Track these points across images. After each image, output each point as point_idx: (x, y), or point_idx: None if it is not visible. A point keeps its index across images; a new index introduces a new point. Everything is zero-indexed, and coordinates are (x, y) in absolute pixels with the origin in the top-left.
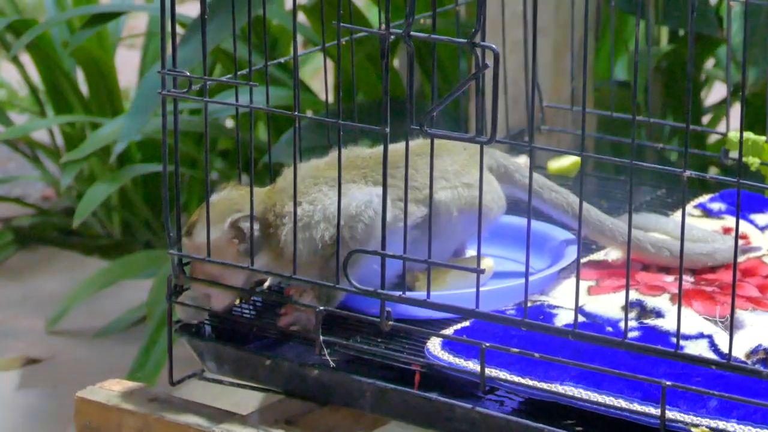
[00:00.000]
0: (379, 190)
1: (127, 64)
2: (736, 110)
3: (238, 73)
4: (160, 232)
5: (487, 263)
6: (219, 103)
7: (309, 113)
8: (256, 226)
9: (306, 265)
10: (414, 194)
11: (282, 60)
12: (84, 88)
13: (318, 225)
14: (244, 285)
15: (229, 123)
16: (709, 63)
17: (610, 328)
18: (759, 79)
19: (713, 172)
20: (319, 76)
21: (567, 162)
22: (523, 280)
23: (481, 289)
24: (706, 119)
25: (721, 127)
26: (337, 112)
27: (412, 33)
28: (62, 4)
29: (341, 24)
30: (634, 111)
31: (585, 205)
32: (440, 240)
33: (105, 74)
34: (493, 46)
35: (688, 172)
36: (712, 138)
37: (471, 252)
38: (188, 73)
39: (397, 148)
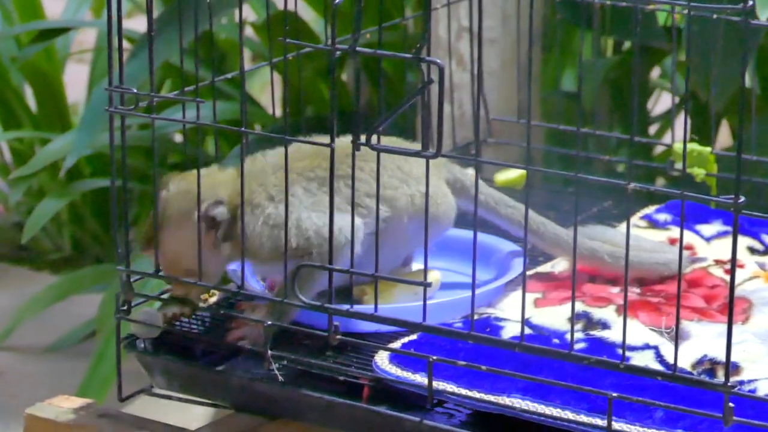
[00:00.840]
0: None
1: (75, 79)
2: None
3: (186, 88)
4: (110, 247)
5: (434, 276)
6: (166, 119)
7: (257, 127)
8: (227, 211)
9: (269, 261)
10: (370, 200)
11: (229, 75)
12: (32, 103)
13: (289, 231)
14: (218, 274)
15: (178, 137)
16: (656, 72)
17: (556, 340)
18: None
19: (660, 182)
20: (267, 89)
21: (514, 174)
22: (469, 293)
23: (428, 302)
24: (653, 129)
25: (668, 138)
26: (284, 127)
27: (358, 48)
28: (9, 19)
29: (288, 40)
30: (579, 123)
31: (540, 218)
32: (392, 246)
33: (54, 89)
34: (438, 60)
35: (632, 185)
36: (659, 148)
37: (418, 265)
38: (135, 90)
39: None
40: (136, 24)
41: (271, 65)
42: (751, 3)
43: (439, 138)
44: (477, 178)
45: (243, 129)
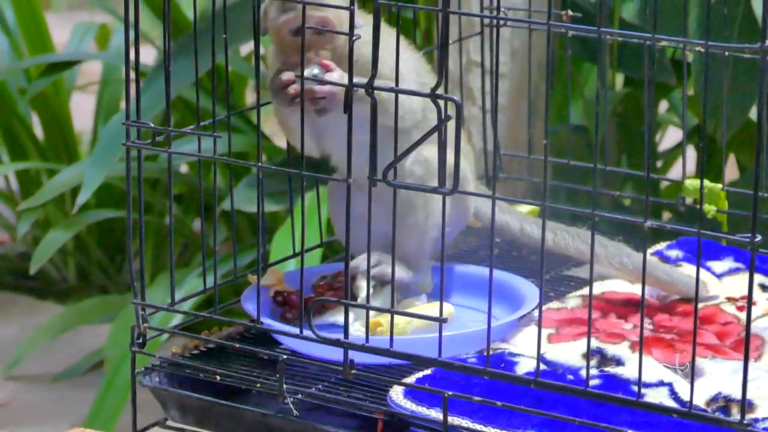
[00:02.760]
0: None
1: (81, 109)
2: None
3: (201, 123)
4: (116, 277)
5: (447, 310)
6: (183, 154)
7: (264, 158)
8: None
9: None
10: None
11: (244, 110)
12: (39, 132)
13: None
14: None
15: (184, 168)
16: (663, 106)
17: (571, 376)
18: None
19: (667, 217)
20: (271, 119)
21: (525, 209)
22: (483, 327)
23: (443, 334)
24: (659, 163)
25: (674, 171)
26: (301, 163)
27: (375, 85)
28: (18, 51)
29: (305, 77)
30: (595, 161)
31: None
32: None
33: (61, 120)
34: (456, 97)
35: (649, 222)
36: (666, 183)
37: (433, 301)
38: (152, 125)
39: None
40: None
41: None
42: None
43: (456, 174)
44: (493, 216)
45: (259, 164)
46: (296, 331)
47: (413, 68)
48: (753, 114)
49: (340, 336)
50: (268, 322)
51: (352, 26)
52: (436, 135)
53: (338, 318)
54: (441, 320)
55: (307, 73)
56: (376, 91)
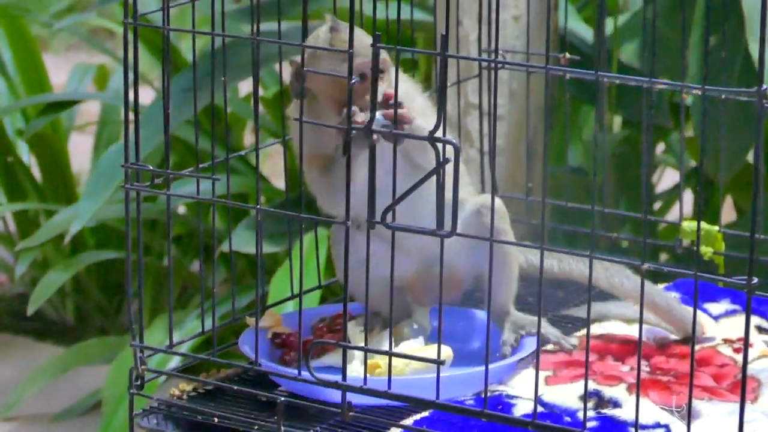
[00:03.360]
0: None
1: (79, 149)
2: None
3: (200, 165)
4: (114, 318)
5: (446, 352)
6: (181, 196)
7: (262, 199)
8: None
9: None
10: None
11: (243, 152)
12: (37, 172)
13: None
14: None
15: (182, 209)
16: (659, 148)
17: (568, 418)
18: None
19: (665, 258)
20: (269, 160)
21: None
22: (481, 368)
23: (441, 375)
24: (657, 205)
25: (672, 213)
26: (297, 203)
27: (374, 128)
28: (15, 91)
29: (303, 119)
30: (593, 203)
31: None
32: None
33: (59, 161)
34: (454, 140)
35: (646, 265)
36: (663, 224)
37: (431, 344)
38: (151, 167)
39: None
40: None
41: (284, 142)
42: (765, 87)
43: (454, 217)
44: (491, 260)
45: (258, 206)
46: (294, 373)
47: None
48: (751, 157)
49: (339, 377)
50: (267, 364)
51: (350, 70)
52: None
53: (337, 360)
54: (439, 362)
55: (379, 115)
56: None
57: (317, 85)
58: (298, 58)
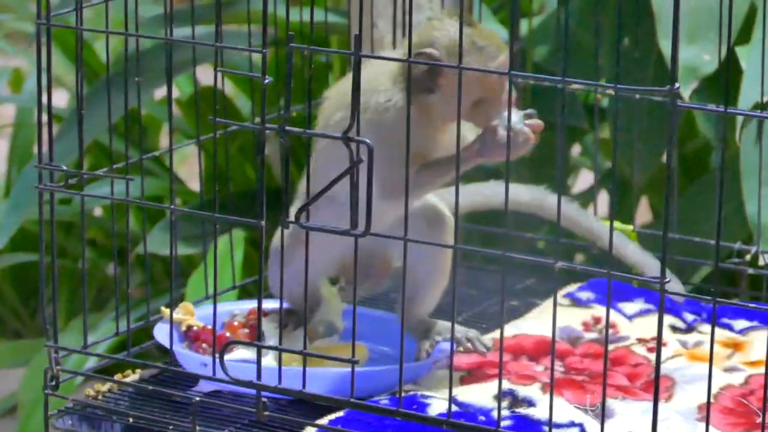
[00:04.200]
0: None
1: None
2: (601, 198)
3: (114, 166)
4: (29, 322)
5: (361, 352)
6: (95, 196)
7: (178, 201)
8: None
9: None
10: None
11: (157, 153)
12: None
13: None
14: None
15: (98, 211)
16: (576, 150)
17: (482, 417)
18: (645, 169)
19: (580, 259)
20: (185, 163)
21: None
22: (396, 366)
23: (357, 369)
24: None
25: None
26: (212, 205)
27: (287, 128)
28: None
29: (218, 119)
30: (506, 203)
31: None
32: None
33: None
34: (368, 140)
35: (559, 263)
36: None
37: (345, 343)
38: (65, 168)
39: None
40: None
41: (199, 143)
42: (677, 86)
43: (368, 216)
44: (405, 260)
45: (172, 207)
46: (210, 373)
47: None
48: (665, 158)
49: (253, 374)
50: (183, 353)
51: (264, 71)
52: None
53: (251, 354)
54: (353, 361)
55: (514, 118)
56: None
57: (451, 83)
58: (430, 51)
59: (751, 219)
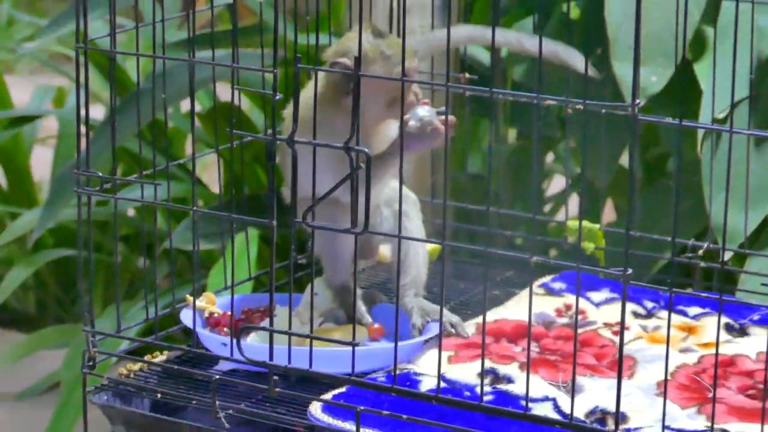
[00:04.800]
0: None
1: (42, 160)
2: (572, 200)
3: (144, 172)
4: (70, 309)
5: (362, 333)
6: (127, 199)
7: (200, 203)
8: None
9: None
10: None
11: (182, 161)
12: (3, 180)
13: None
14: None
15: (130, 212)
16: (549, 157)
17: (468, 393)
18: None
19: (554, 254)
20: (206, 169)
21: (428, 248)
22: (392, 345)
23: (357, 349)
24: (547, 207)
25: (560, 214)
26: (230, 206)
27: (295, 139)
28: None
29: (234, 131)
30: (488, 204)
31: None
32: None
33: (21, 171)
34: (366, 150)
35: (534, 258)
36: (552, 224)
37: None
38: (100, 174)
39: None
40: (92, 112)
41: (218, 152)
42: (638, 101)
43: (366, 217)
44: (399, 254)
45: (194, 208)
46: (228, 353)
47: None
48: (623, 161)
49: (266, 355)
50: (206, 334)
51: (275, 89)
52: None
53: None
54: (354, 344)
55: (423, 113)
56: None
57: (365, 87)
58: (343, 60)
59: (715, 219)
